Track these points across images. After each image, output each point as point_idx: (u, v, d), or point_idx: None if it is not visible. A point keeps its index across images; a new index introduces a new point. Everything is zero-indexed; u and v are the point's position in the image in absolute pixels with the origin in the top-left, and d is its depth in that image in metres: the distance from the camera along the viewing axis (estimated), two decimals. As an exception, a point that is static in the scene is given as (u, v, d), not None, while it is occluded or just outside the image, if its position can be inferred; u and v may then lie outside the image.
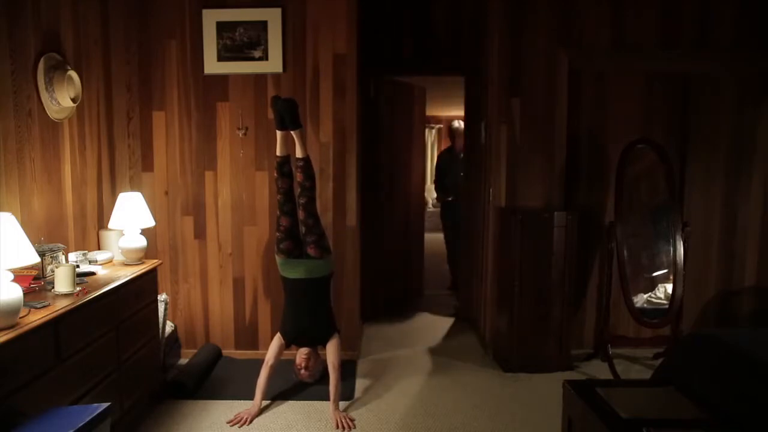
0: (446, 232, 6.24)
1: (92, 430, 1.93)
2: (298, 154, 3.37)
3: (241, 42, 3.77)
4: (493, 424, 3.08)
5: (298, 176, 3.38)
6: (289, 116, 3.29)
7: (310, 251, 3.31)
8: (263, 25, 3.75)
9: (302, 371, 3.43)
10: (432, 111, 10.67)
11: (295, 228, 3.37)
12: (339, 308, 3.85)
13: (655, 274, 3.88)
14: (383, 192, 5.14)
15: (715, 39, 3.95)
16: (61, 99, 3.09)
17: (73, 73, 3.13)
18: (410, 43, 4.75)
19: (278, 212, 3.39)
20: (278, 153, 3.39)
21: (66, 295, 2.49)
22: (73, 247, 3.34)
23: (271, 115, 3.83)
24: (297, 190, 3.41)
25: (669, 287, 3.76)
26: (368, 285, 4.93)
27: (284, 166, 3.37)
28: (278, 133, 3.38)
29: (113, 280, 2.82)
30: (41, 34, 3.03)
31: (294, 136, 3.34)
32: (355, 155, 3.91)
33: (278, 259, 3.36)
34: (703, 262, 4.13)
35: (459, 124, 5.83)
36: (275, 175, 3.42)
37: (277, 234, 3.36)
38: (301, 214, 3.36)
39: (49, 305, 2.33)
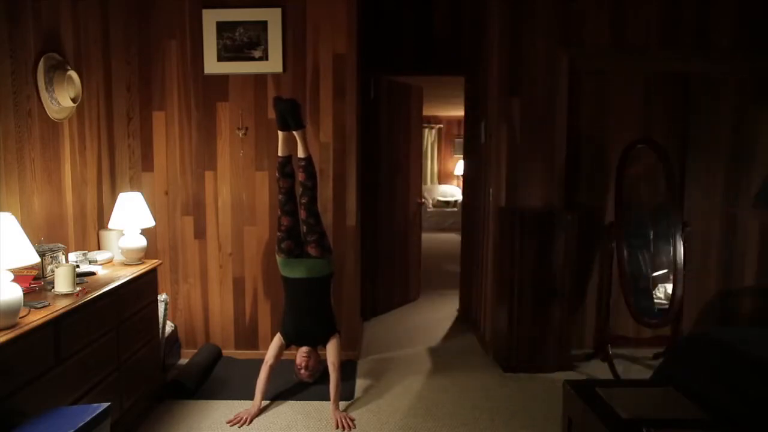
0: None
1: (92, 430, 1.93)
2: (300, 153, 3.36)
3: (241, 42, 3.77)
4: (493, 424, 3.08)
5: (300, 176, 3.38)
6: (291, 116, 3.29)
7: (311, 250, 3.31)
8: (263, 25, 3.75)
9: (302, 371, 3.43)
10: (432, 111, 10.70)
11: (296, 228, 3.38)
12: (339, 308, 3.85)
13: (655, 274, 3.88)
14: (383, 192, 5.14)
15: (715, 39, 3.95)
16: (61, 99, 3.09)
17: (73, 73, 3.13)
18: (410, 43, 4.76)
19: (279, 212, 3.38)
20: (280, 153, 3.39)
21: (66, 295, 2.49)
22: (73, 247, 3.34)
23: (271, 114, 3.83)
24: (298, 190, 3.41)
25: (669, 287, 3.76)
26: (368, 285, 4.94)
27: (286, 166, 3.37)
28: (280, 133, 3.38)
29: (113, 280, 2.82)
30: (41, 34, 3.03)
31: (296, 135, 3.34)
32: (355, 155, 3.92)
33: (279, 258, 3.36)
34: (703, 262, 4.13)
35: None
36: (276, 175, 3.42)
37: (278, 233, 3.36)
38: (302, 214, 3.36)
39: (49, 305, 2.33)
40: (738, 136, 4.06)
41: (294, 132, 3.34)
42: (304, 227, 3.35)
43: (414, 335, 4.64)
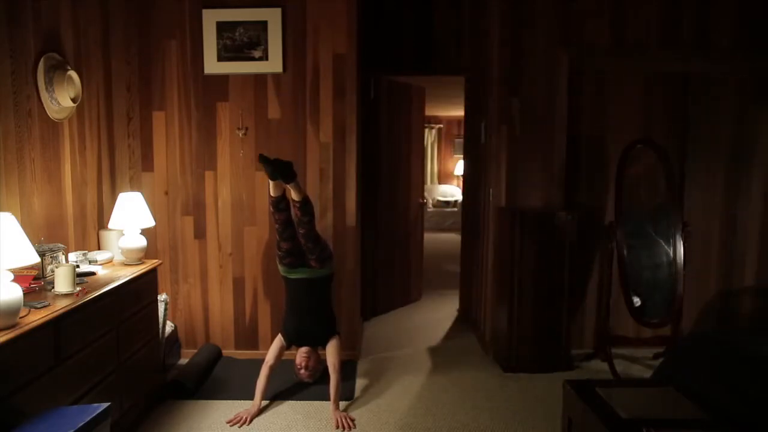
0: None
1: (92, 430, 1.93)
2: (295, 198, 3.14)
3: (241, 42, 3.77)
4: (493, 424, 3.08)
5: (296, 213, 3.18)
6: (281, 174, 3.07)
7: (313, 263, 3.29)
8: (263, 25, 3.75)
9: (302, 371, 3.43)
10: (432, 111, 10.70)
11: (297, 247, 3.28)
12: (339, 308, 3.85)
13: (654, 274, 3.88)
14: (383, 192, 5.14)
15: (715, 39, 3.95)
16: (61, 99, 3.09)
17: (73, 73, 3.13)
18: (410, 43, 4.75)
19: (278, 237, 3.28)
20: (272, 194, 3.18)
21: (66, 295, 2.49)
22: (73, 247, 3.35)
23: (272, 114, 3.84)
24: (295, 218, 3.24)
25: (669, 287, 3.75)
26: (368, 285, 4.93)
27: (280, 203, 3.20)
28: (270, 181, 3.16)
29: (113, 280, 2.82)
30: (41, 34, 3.03)
31: (289, 186, 3.13)
32: (355, 155, 3.91)
33: (281, 268, 3.36)
34: (703, 262, 4.13)
35: None
36: (270, 209, 3.25)
37: (279, 252, 3.30)
38: (301, 240, 3.25)
39: (49, 305, 2.33)
40: (738, 136, 4.06)
41: (285, 185, 3.15)
42: (304, 248, 3.27)
43: (414, 335, 4.65)
